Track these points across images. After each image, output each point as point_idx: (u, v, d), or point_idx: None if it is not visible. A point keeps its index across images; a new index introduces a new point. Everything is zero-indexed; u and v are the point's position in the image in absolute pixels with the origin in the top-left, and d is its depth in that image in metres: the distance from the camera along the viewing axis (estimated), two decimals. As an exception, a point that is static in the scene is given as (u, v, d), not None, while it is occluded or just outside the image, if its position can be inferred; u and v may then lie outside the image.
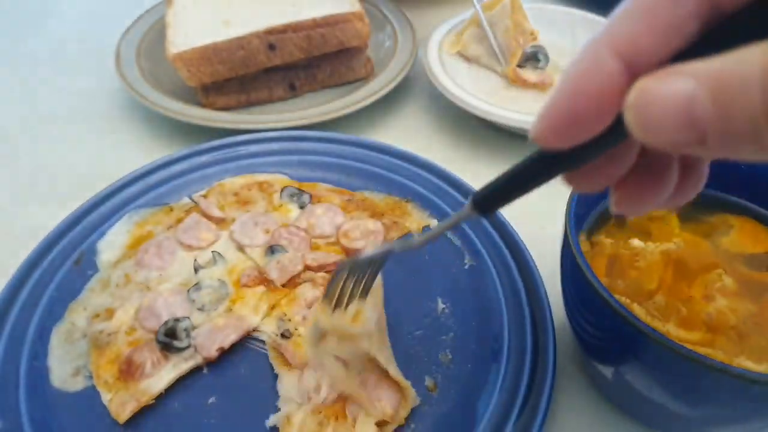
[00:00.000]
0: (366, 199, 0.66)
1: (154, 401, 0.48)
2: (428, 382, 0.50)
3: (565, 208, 0.43)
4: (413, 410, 0.48)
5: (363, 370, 0.48)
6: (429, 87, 0.88)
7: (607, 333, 0.42)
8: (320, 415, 0.46)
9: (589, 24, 0.88)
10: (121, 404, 0.47)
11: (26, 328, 0.52)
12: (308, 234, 0.61)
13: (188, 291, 0.55)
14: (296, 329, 0.53)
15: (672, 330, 0.41)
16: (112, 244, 0.60)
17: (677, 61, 0.22)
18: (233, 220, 0.62)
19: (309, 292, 0.56)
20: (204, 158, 0.69)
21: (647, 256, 0.46)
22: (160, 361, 0.50)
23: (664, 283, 0.44)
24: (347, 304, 0.44)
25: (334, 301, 0.44)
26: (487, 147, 0.79)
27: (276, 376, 0.50)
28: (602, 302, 0.38)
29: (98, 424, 0.47)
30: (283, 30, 0.76)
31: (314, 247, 0.60)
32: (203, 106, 0.79)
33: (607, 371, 0.45)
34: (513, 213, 0.60)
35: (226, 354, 0.52)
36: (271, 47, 0.76)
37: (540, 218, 0.61)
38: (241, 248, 0.60)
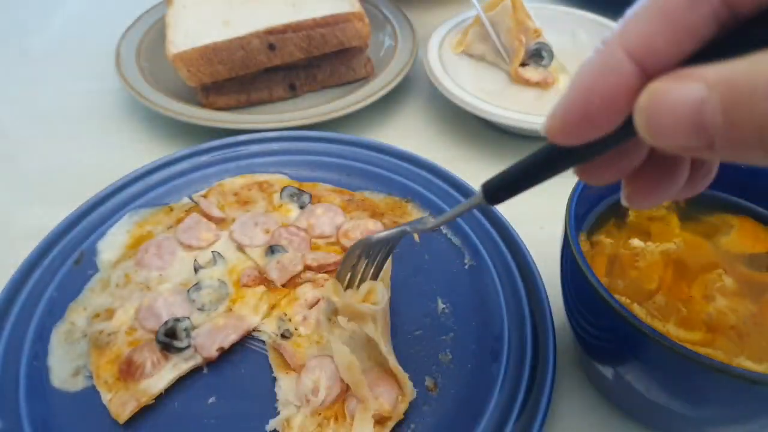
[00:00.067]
0: (366, 199, 0.66)
1: (154, 401, 0.48)
2: (428, 382, 0.50)
3: (565, 208, 0.43)
4: (413, 410, 0.48)
5: (366, 359, 0.48)
6: (429, 87, 0.88)
7: (607, 333, 0.42)
8: (319, 417, 0.46)
9: (590, 24, 0.88)
10: (121, 404, 0.47)
11: (26, 328, 0.52)
12: (308, 234, 0.61)
13: (188, 291, 0.55)
14: (296, 329, 0.53)
15: (672, 330, 0.41)
16: (112, 244, 0.60)
17: (691, 63, 0.22)
18: (233, 220, 0.62)
19: (309, 292, 0.56)
20: (204, 158, 0.69)
21: (647, 256, 0.46)
22: (160, 361, 0.50)
23: (664, 283, 0.44)
24: (359, 284, 0.44)
25: (346, 280, 0.44)
26: (488, 147, 0.79)
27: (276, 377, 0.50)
28: (602, 302, 0.38)
29: (98, 424, 0.47)
30: (283, 30, 0.76)
31: (314, 247, 0.60)
32: (203, 106, 0.79)
33: (607, 371, 0.45)
34: (513, 213, 0.60)
35: (226, 354, 0.52)
36: (271, 47, 0.76)
37: (540, 218, 0.61)
38: (241, 248, 0.60)
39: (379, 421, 0.46)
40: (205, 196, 0.65)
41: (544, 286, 0.54)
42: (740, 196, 0.49)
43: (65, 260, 0.58)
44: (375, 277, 0.46)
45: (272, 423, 0.47)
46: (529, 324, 0.51)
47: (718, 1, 0.22)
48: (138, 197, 0.64)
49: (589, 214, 0.48)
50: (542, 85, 0.80)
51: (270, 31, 0.75)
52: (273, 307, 0.55)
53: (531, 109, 0.73)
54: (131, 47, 0.88)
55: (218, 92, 0.79)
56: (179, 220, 0.62)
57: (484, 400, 0.47)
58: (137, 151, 0.77)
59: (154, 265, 0.58)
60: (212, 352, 0.51)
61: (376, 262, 0.44)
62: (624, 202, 0.31)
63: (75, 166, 0.76)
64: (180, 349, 0.50)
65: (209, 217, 0.62)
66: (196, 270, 0.57)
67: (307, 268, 0.58)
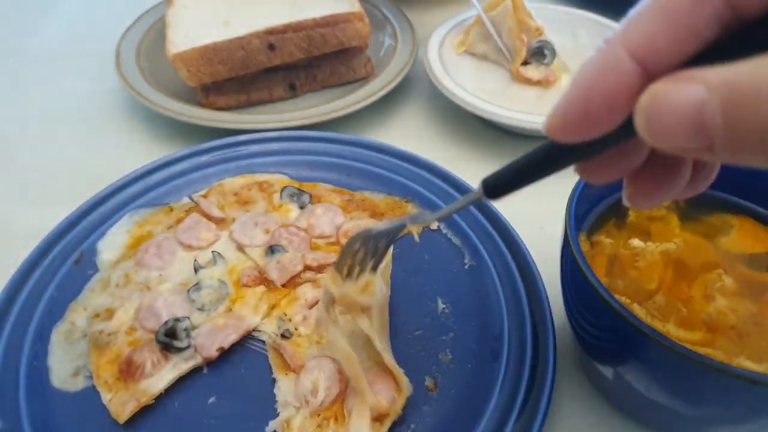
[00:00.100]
0: (366, 199, 0.66)
1: (154, 401, 0.48)
2: (428, 382, 0.50)
3: (565, 208, 0.43)
4: (413, 410, 0.48)
5: (366, 359, 0.48)
6: (429, 87, 0.88)
7: (607, 333, 0.42)
8: (319, 418, 0.46)
9: (590, 23, 0.88)
10: (121, 404, 0.47)
11: (26, 328, 0.52)
12: (308, 234, 0.61)
13: (188, 291, 0.55)
14: (296, 329, 0.53)
15: (672, 330, 0.41)
16: (112, 244, 0.60)
17: (693, 64, 0.22)
18: (233, 220, 0.62)
19: (309, 292, 0.56)
20: (204, 158, 0.69)
21: (647, 256, 0.46)
22: (160, 361, 0.50)
23: (664, 283, 0.44)
24: (358, 275, 0.44)
25: (345, 271, 0.44)
26: (488, 147, 0.79)
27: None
28: (602, 302, 0.38)
29: (98, 424, 0.47)
30: (283, 30, 0.76)
31: (314, 247, 0.60)
32: (203, 106, 0.79)
33: (607, 371, 0.45)
34: (513, 213, 0.60)
35: (226, 354, 0.52)
36: (271, 47, 0.76)
37: (540, 218, 0.61)
38: (241, 248, 0.60)
39: (377, 418, 0.46)
40: (205, 196, 0.65)
41: (544, 286, 0.54)
42: (740, 196, 0.49)
43: (65, 260, 0.58)
44: (374, 270, 0.45)
45: (272, 425, 0.47)
46: (529, 324, 0.51)
47: (721, 2, 0.22)
48: (138, 197, 0.64)
49: (589, 214, 0.48)
50: (544, 83, 0.80)
51: (270, 31, 0.75)
52: (273, 307, 0.55)
53: (532, 109, 0.73)
54: (131, 47, 0.88)
55: (218, 92, 0.79)
56: (179, 220, 0.62)
57: (484, 400, 0.47)
58: (137, 151, 0.77)
59: (154, 265, 0.58)
60: (212, 352, 0.51)
61: (375, 255, 0.44)
62: (626, 202, 0.31)
63: (75, 166, 0.76)
64: (180, 349, 0.50)
65: (209, 217, 0.62)
66: (196, 270, 0.57)
67: (307, 268, 0.58)
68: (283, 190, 0.65)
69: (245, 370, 0.51)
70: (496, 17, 0.83)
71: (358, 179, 0.67)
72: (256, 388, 0.50)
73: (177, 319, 0.52)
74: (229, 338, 0.52)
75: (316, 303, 0.55)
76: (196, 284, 0.56)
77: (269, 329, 0.53)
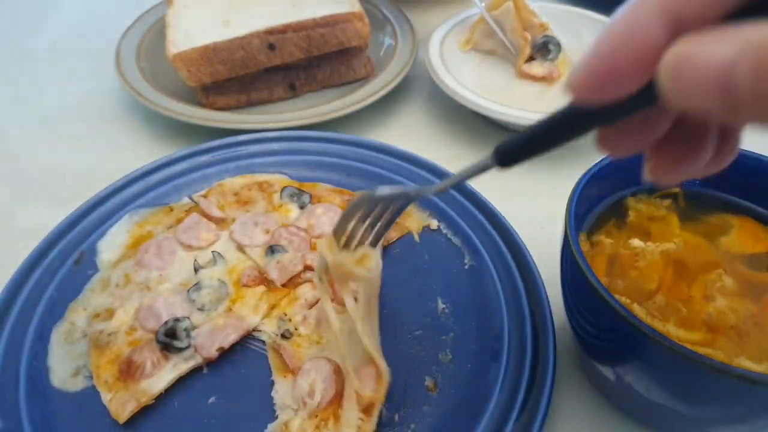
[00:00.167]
0: (366, 199, 0.66)
1: (154, 401, 0.48)
2: (428, 382, 0.50)
3: (565, 208, 0.43)
4: (413, 410, 0.48)
5: (350, 342, 0.47)
6: (429, 87, 0.88)
7: (607, 333, 0.42)
8: (317, 419, 0.46)
9: (592, 23, 0.88)
10: (121, 404, 0.47)
11: (26, 328, 0.52)
12: (308, 234, 0.61)
13: (188, 291, 0.55)
14: (296, 329, 0.53)
15: (672, 330, 0.41)
16: (112, 244, 0.60)
17: (726, 22, 0.21)
18: (233, 220, 0.62)
19: (309, 292, 0.56)
20: (204, 158, 0.69)
21: (647, 256, 0.46)
22: (160, 361, 0.50)
23: (664, 283, 0.44)
24: (356, 248, 0.43)
25: (343, 239, 0.43)
26: (489, 146, 0.78)
27: (276, 376, 0.50)
28: (602, 302, 0.38)
29: (98, 424, 0.47)
30: (283, 30, 0.76)
31: (314, 247, 0.60)
32: (203, 106, 0.79)
33: (607, 371, 0.45)
34: (513, 213, 0.60)
35: (226, 354, 0.52)
36: (271, 47, 0.76)
37: (540, 218, 0.61)
38: (241, 248, 0.60)
39: (365, 410, 0.46)
40: (205, 196, 0.65)
41: (544, 286, 0.54)
42: (740, 196, 0.49)
43: (65, 260, 0.58)
44: (373, 245, 0.43)
45: (270, 427, 0.47)
46: (529, 324, 0.51)
47: None
48: (138, 197, 0.64)
49: (589, 214, 0.48)
50: (547, 79, 0.80)
51: (270, 31, 0.75)
52: (273, 307, 0.55)
53: (534, 106, 0.73)
54: (131, 47, 0.88)
55: (218, 92, 0.79)
56: (179, 220, 0.62)
57: (484, 400, 0.47)
58: (137, 151, 0.77)
59: (154, 265, 0.58)
60: (212, 352, 0.51)
61: (376, 229, 0.42)
62: (646, 177, 0.30)
63: (75, 166, 0.76)
64: (180, 349, 0.50)
65: (209, 217, 0.62)
66: (196, 270, 0.57)
67: (307, 268, 0.58)
68: (283, 190, 0.65)
69: (245, 370, 0.51)
70: (499, 16, 0.83)
71: (358, 179, 0.67)
72: (256, 388, 0.50)
73: (177, 319, 0.52)
74: (229, 338, 0.52)
75: (316, 303, 0.55)
76: (196, 284, 0.56)
77: (269, 329, 0.53)
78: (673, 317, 0.42)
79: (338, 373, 0.49)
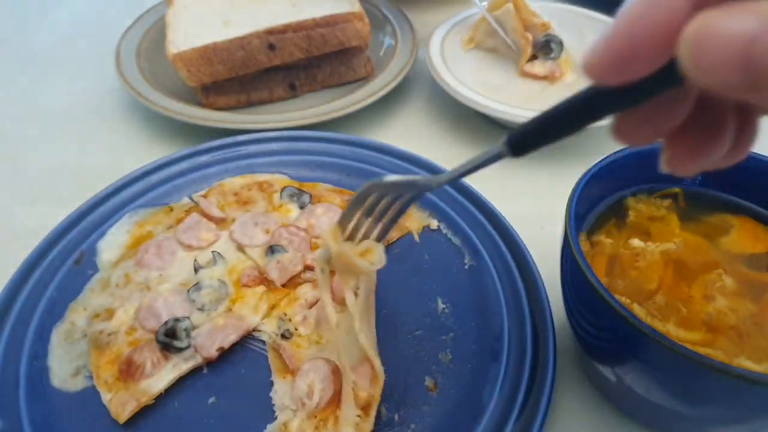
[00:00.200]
0: (366, 199, 0.66)
1: (154, 401, 0.48)
2: (428, 382, 0.50)
3: (565, 208, 0.43)
4: (413, 410, 0.48)
5: (348, 339, 0.47)
6: (429, 87, 0.88)
7: (607, 333, 0.42)
8: (316, 419, 0.46)
9: (593, 22, 0.88)
10: (121, 404, 0.47)
11: (26, 328, 0.52)
12: (308, 234, 0.61)
13: (188, 291, 0.55)
14: (296, 329, 0.53)
15: (672, 330, 0.41)
16: (112, 244, 0.60)
17: None
18: (233, 220, 0.62)
19: (309, 292, 0.56)
20: (204, 158, 0.69)
21: (647, 256, 0.46)
22: (160, 361, 0.50)
23: (664, 283, 0.44)
24: (360, 242, 0.42)
25: (348, 230, 0.42)
26: (489, 146, 0.78)
27: (276, 376, 0.50)
28: (602, 302, 0.38)
29: (98, 424, 0.47)
30: (283, 30, 0.76)
31: (314, 247, 0.60)
32: (203, 106, 0.79)
33: (607, 371, 0.45)
34: (513, 213, 0.60)
35: (226, 354, 0.52)
36: (271, 47, 0.76)
37: (540, 218, 0.61)
38: (241, 248, 0.60)
39: (363, 408, 0.46)
40: (205, 196, 0.65)
41: (544, 286, 0.54)
42: (740, 196, 0.49)
43: (65, 260, 0.58)
44: (379, 239, 0.43)
45: (270, 428, 0.47)
46: (529, 324, 0.51)
47: None
48: (138, 197, 0.64)
49: (589, 214, 0.48)
50: (549, 79, 0.80)
51: (270, 31, 0.75)
52: (273, 307, 0.55)
53: (535, 104, 0.73)
54: (131, 47, 0.88)
55: (218, 92, 0.79)
56: (179, 220, 0.62)
57: (484, 400, 0.47)
58: (137, 151, 0.77)
59: (154, 265, 0.58)
60: (212, 352, 0.51)
61: (382, 224, 0.41)
62: (663, 168, 0.29)
63: (75, 166, 0.76)
64: (180, 349, 0.50)
65: (209, 217, 0.62)
66: (196, 270, 0.57)
67: (307, 268, 0.58)
68: (283, 190, 0.65)
69: (245, 370, 0.51)
70: (500, 16, 0.83)
71: (358, 179, 0.67)
72: (256, 388, 0.50)
73: (177, 319, 0.52)
74: (229, 338, 0.52)
75: (316, 303, 0.55)
76: (196, 284, 0.56)
77: (269, 329, 0.53)
78: (673, 317, 0.42)
79: (336, 374, 0.49)
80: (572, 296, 0.45)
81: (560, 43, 0.81)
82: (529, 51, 0.80)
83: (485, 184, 0.62)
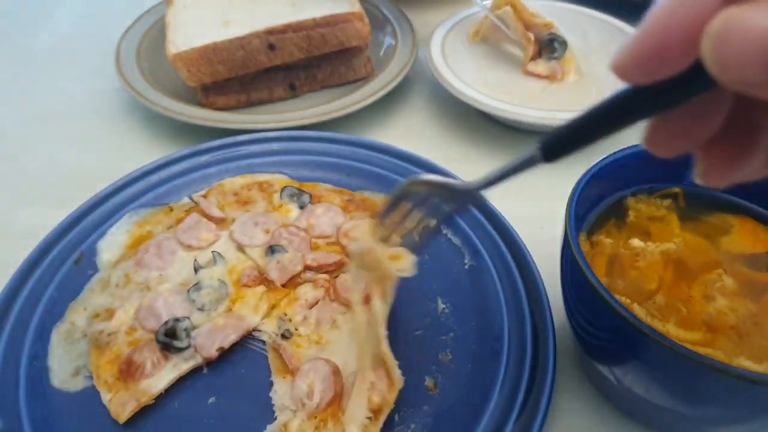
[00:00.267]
0: (366, 199, 0.66)
1: (154, 401, 0.48)
2: (428, 382, 0.50)
3: (565, 208, 0.43)
4: (413, 410, 0.48)
5: (364, 345, 0.47)
6: (429, 86, 0.88)
7: (607, 333, 0.42)
8: (316, 420, 0.46)
9: (597, 22, 0.88)
10: (121, 404, 0.47)
11: (26, 328, 0.52)
12: (308, 234, 0.61)
13: (188, 291, 0.55)
14: (296, 329, 0.53)
15: (672, 330, 0.41)
16: (112, 244, 0.60)
17: None
18: (233, 220, 0.62)
19: (309, 292, 0.56)
20: (204, 158, 0.69)
21: (647, 256, 0.46)
22: (160, 361, 0.50)
23: (664, 283, 0.44)
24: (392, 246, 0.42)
25: (387, 228, 0.42)
26: (489, 146, 0.79)
27: (276, 377, 0.50)
28: (602, 302, 0.38)
29: (98, 424, 0.47)
30: (283, 30, 0.76)
31: (314, 247, 0.60)
32: (203, 106, 0.79)
33: (607, 371, 0.45)
34: (513, 213, 0.60)
35: (226, 354, 0.52)
36: (271, 47, 0.76)
37: (540, 218, 0.61)
38: (241, 248, 0.60)
39: (374, 412, 0.46)
40: (205, 196, 0.65)
41: (544, 286, 0.54)
42: (740, 196, 0.49)
43: (65, 260, 0.58)
44: (412, 251, 0.43)
45: (270, 428, 0.47)
46: (529, 324, 0.51)
47: None
48: (138, 197, 0.64)
49: (589, 214, 0.48)
50: (551, 78, 0.80)
51: (270, 31, 0.75)
52: (273, 307, 0.55)
53: (536, 102, 0.72)
54: (131, 47, 0.88)
55: (218, 92, 0.79)
56: (179, 220, 0.62)
57: (484, 400, 0.47)
58: (137, 151, 0.77)
59: (154, 265, 0.58)
60: (212, 352, 0.51)
61: (420, 236, 0.41)
62: (698, 180, 0.28)
63: (75, 166, 0.76)
64: (180, 349, 0.50)
65: (209, 217, 0.62)
66: (196, 270, 0.57)
67: (307, 268, 0.58)
68: (283, 190, 0.65)
69: (245, 371, 0.51)
70: (502, 15, 0.83)
71: (358, 179, 0.67)
72: (256, 388, 0.50)
73: (177, 319, 0.52)
74: (229, 338, 0.52)
75: (316, 303, 0.55)
76: (196, 284, 0.56)
77: (269, 329, 0.53)
78: (673, 317, 0.42)
79: (337, 375, 0.49)
80: (572, 296, 0.45)
81: (564, 43, 0.81)
82: (531, 50, 0.80)
83: (485, 184, 0.62)
